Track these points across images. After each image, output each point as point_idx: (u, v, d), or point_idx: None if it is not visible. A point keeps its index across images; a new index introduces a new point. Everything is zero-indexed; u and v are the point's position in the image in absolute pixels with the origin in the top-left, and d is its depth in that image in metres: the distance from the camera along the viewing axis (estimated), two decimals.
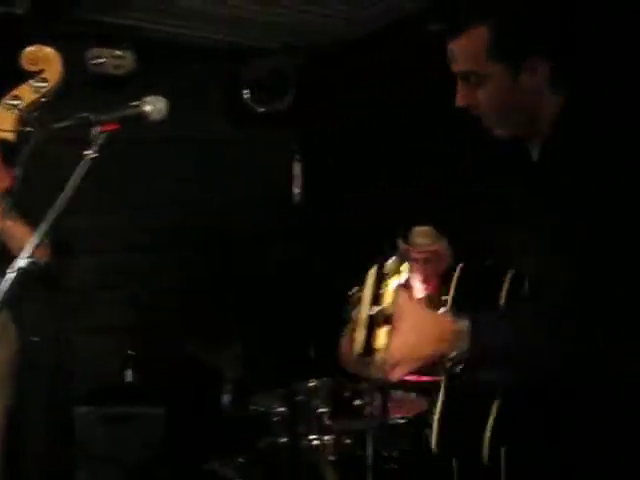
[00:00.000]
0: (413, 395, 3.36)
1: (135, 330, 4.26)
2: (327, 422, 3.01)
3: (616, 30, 2.58)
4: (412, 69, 4.10)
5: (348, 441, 3.02)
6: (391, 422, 3.05)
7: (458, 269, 1.98)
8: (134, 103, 1.69)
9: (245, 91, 4.59)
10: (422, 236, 3.89)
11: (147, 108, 1.68)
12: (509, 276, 1.66)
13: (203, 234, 4.49)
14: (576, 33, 1.62)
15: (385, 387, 3.10)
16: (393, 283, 1.34)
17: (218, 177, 4.57)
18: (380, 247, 4.04)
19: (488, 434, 1.54)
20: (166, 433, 3.73)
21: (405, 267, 1.38)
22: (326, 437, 3.00)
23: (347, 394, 3.03)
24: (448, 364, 1.41)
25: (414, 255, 3.80)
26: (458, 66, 1.60)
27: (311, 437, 3.02)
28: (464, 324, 1.39)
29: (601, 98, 1.60)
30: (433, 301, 2.46)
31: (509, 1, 1.56)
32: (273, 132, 4.60)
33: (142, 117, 1.67)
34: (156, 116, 1.69)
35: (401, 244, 3.87)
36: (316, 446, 3.02)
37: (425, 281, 3.83)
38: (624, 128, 1.50)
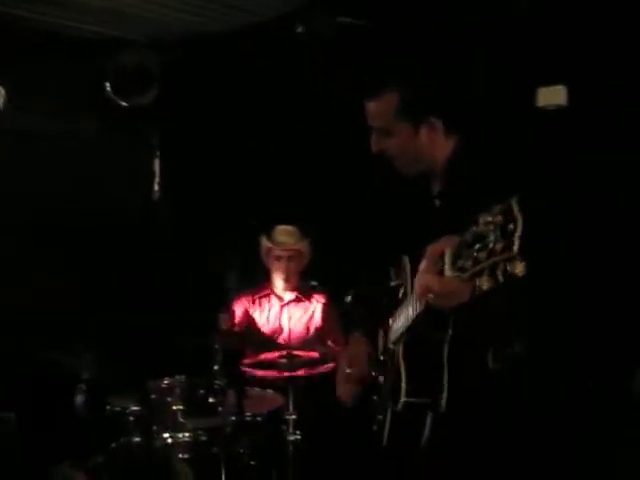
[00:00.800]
0: (269, 392, 3.41)
1: None
2: (181, 420, 3.00)
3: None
4: (276, 67, 4.16)
5: (203, 439, 3.03)
6: (247, 419, 3.09)
7: None
8: None
9: (107, 84, 4.48)
10: (285, 235, 3.98)
11: None
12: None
13: (58, 232, 4.33)
14: (462, 97, 2.13)
15: (240, 384, 3.13)
16: None
17: (75, 172, 4.42)
18: (241, 244, 4.07)
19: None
20: (17, 438, 3.59)
21: None
22: (180, 435, 3.00)
23: (201, 392, 3.03)
24: None
25: (277, 253, 3.88)
26: (372, 122, 1.99)
27: (165, 435, 3.01)
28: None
29: (481, 143, 2.03)
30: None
31: (414, 74, 2.00)
32: (135, 127, 4.51)
33: None
34: None
35: (264, 242, 3.93)
36: (170, 444, 3.01)
37: (287, 279, 3.90)
38: (497, 165, 1.88)
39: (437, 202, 2.04)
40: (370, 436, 2.56)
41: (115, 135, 4.50)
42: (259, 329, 3.91)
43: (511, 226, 1.36)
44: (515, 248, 1.34)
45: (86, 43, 4.38)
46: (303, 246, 3.91)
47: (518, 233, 1.34)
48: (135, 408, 3.07)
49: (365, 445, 3.13)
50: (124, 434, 3.07)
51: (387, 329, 2.08)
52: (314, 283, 3.88)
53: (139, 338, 4.10)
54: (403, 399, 1.86)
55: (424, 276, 1.67)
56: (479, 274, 1.45)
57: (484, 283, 1.45)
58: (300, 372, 3.26)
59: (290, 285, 3.92)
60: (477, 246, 1.44)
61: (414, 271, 1.85)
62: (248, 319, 3.94)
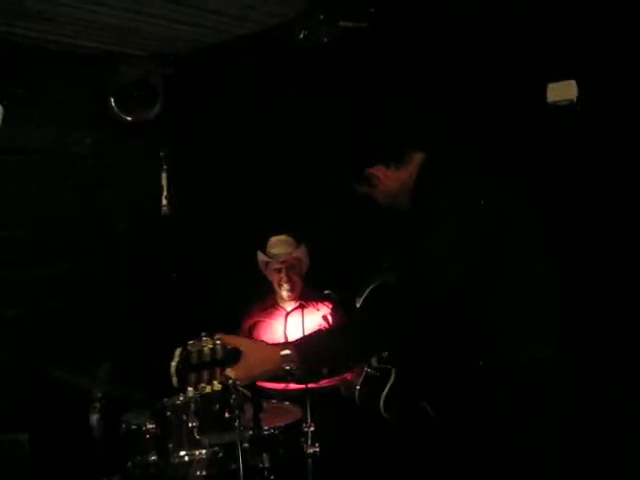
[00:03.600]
0: (287, 404, 3.34)
1: None
2: (197, 437, 2.94)
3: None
4: (281, 78, 4.12)
5: (221, 455, 2.96)
6: (264, 433, 3.02)
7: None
8: None
9: (112, 99, 4.46)
10: (279, 245, 3.94)
11: None
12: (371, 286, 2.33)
13: (69, 249, 4.31)
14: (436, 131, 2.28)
15: (256, 398, 3.07)
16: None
17: (84, 188, 4.40)
18: (244, 256, 4.02)
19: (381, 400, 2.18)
20: (31, 459, 3.54)
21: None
22: (197, 452, 2.93)
23: (217, 407, 2.96)
24: (286, 374, 2.00)
25: (276, 266, 3.84)
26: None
27: (182, 453, 2.94)
28: (287, 350, 1.99)
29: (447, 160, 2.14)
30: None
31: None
32: (141, 142, 4.48)
33: None
34: None
35: (261, 256, 3.89)
36: (188, 462, 2.95)
37: (291, 289, 3.85)
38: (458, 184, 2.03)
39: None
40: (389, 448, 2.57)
41: (122, 149, 4.47)
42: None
43: None
44: None
45: (88, 58, 4.35)
46: (300, 252, 3.88)
47: None
48: (150, 426, 3.01)
49: (384, 456, 3.09)
50: (140, 453, 3.01)
51: None
52: (327, 292, 3.79)
53: (152, 355, 4.05)
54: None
55: None
56: None
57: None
58: (317, 384, 3.20)
59: (295, 294, 3.89)
60: None
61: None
62: (255, 333, 3.90)
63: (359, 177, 2.21)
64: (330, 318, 3.86)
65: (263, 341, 2.17)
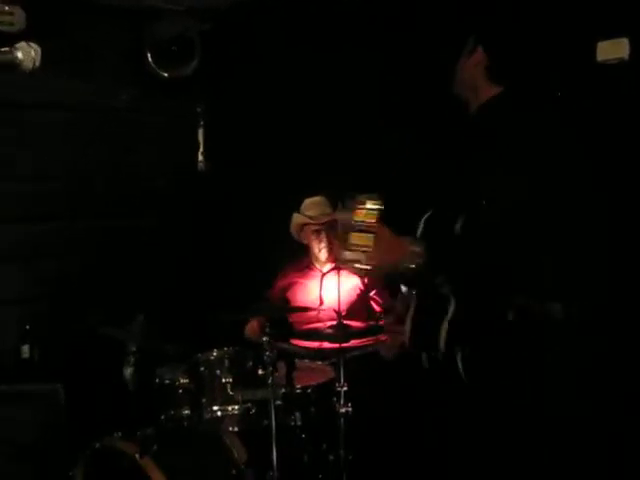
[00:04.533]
0: (319, 363, 3.34)
1: (34, 304, 4.07)
2: (230, 392, 2.95)
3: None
4: (319, 33, 4.04)
5: (253, 411, 2.97)
6: (297, 391, 3.02)
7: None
8: (3, 49, 1.55)
9: (149, 55, 4.42)
10: (316, 207, 3.86)
11: (18, 55, 1.55)
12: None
13: (104, 204, 4.32)
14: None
15: (290, 356, 3.07)
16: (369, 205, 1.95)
17: (120, 144, 4.39)
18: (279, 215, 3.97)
19: (443, 333, 2.00)
20: (66, 410, 3.59)
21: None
22: (230, 408, 2.95)
23: (250, 364, 2.97)
24: (407, 271, 1.95)
25: (314, 227, 3.76)
26: None
27: (215, 408, 2.96)
28: (420, 247, 1.95)
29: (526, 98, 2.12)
30: None
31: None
32: (177, 98, 4.44)
33: (13, 65, 1.53)
34: (28, 64, 1.55)
35: (298, 218, 3.81)
36: (220, 417, 2.96)
37: (330, 249, 3.81)
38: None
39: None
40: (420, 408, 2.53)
41: (158, 104, 4.44)
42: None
43: None
44: None
45: (125, 12, 4.30)
46: (335, 214, 3.80)
47: None
48: (184, 381, 3.03)
49: (415, 417, 3.07)
50: (173, 407, 3.04)
51: None
52: None
53: (187, 310, 4.07)
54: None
55: None
56: None
57: None
58: (350, 343, 3.18)
59: (332, 256, 3.83)
60: None
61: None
62: (290, 293, 3.88)
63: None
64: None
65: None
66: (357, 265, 1.94)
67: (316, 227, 3.79)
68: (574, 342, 2.01)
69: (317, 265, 3.89)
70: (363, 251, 1.92)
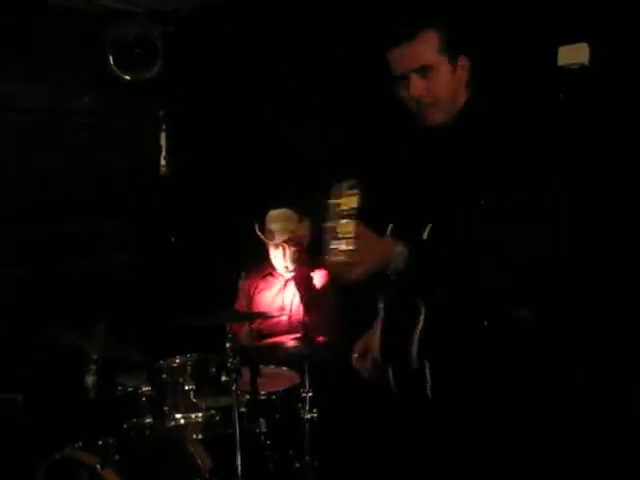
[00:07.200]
0: (284, 369, 3.31)
1: None
2: (194, 400, 2.91)
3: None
4: (283, 36, 4.02)
5: (217, 418, 2.94)
6: (262, 397, 2.99)
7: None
8: None
9: (111, 58, 4.36)
10: (279, 221, 3.73)
11: None
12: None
13: (64, 208, 4.25)
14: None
15: (254, 362, 3.03)
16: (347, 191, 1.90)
17: (81, 148, 4.32)
18: (246, 220, 3.92)
19: (415, 345, 1.98)
20: (26, 420, 3.51)
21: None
22: (193, 415, 2.91)
23: (214, 370, 2.92)
24: (389, 272, 1.95)
25: (275, 242, 3.65)
26: (410, 64, 2.01)
27: (178, 416, 2.92)
28: (401, 248, 1.92)
29: (494, 102, 2.14)
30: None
31: (448, 13, 2.08)
32: (140, 101, 4.39)
33: None
34: None
35: (260, 230, 3.69)
36: (183, 425, 2.92)
37: (288, 267, 3.71)
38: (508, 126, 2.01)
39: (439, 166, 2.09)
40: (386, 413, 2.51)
41: (120, 108, 4.39)
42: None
43: None
44: None
45: (87, 14, 4.24)
46: (303, 229, 3.71)
47: None
48: (146, 389, 2.98)
49: (381, 422, 3.06)
50: (135, 415, 2.98)
51: None
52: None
53: (150, 317, 4.02)
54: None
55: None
56: None
57: None
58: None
59: (299, 266, 3.74)
60: None
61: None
62: (254, 299, 3.82)
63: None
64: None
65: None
66: (342, 256, 1.88)
67: (277, 242, 3.69)
68: (544, 348, 1.99)
69: (278, 271, 3.80)
70: (348, 238, 1.88)
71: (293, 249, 3.68)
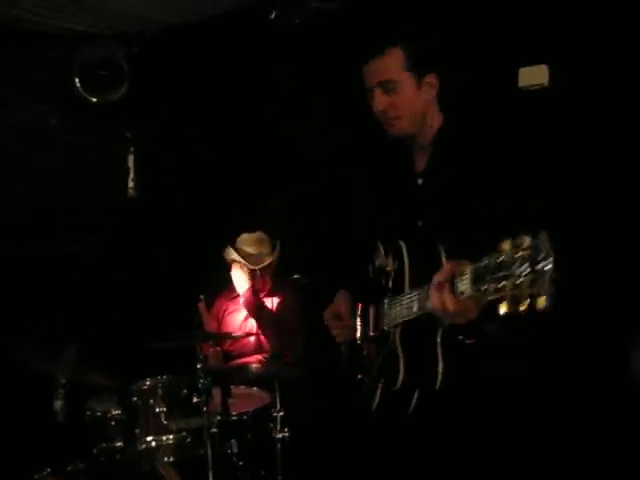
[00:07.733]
0: (255, 389, 3.31)
1: None
2: (165, 422, 2.90)
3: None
4: (250, 58, 4.06)
5: (189, 440, 2.93)
6: (233, 418, 2.99)
7: None
8: None
9: (77, 80, 4.35)
10: (253, 245, 3.71)
11: None
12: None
13: (33, 229, 4.21)
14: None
15: (225, 382, 3.03)
16: None
17: (49, 170, 4.29)
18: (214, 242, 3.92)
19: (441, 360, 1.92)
20: None
21: None
22: (164, 437, 2.90)
23: (185, 392, 2.92)
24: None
25: (247, 268, 3.62)
26: (376, 78, 2.09)
27: (149, 439, 2.90)
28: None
29: (469, 122, 2.19)
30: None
31: (416, 30, 2.19)
32: (107, 123, 4.38)
33: None
34: None
35: (230, 253, 3.64)
36: (155, 447, 2.91)
37: (260, 291, 3.70)
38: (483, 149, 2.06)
39: (420, 181, 2.16)
40: (357, 431, 2.52)
41: (87, 130, 4.38)
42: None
43: (542, 263, 1.40)
44: (546, 288, 1.39)
45: (52, 37, 4.23)
46: (276, 255, 3.71)
47: (551, 273, 1.38)
48: (116, 412, 2.96)
49: (353, 440, 3.08)
50: (105, 439, 2.96)
51: (381, 310, 2.13)
52: (296, 276, 3.68)
53: (120, 339, 3.99)
54: (402, 377, 1.96)
55: (441, 294, 1.71)
56: (499, 301, 1.48)
57: (502, 308, 1.47)
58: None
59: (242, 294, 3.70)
60: (501, 274, 1.47)
61: (412, 260, 1.99)
62: (224, 320, 3.82)
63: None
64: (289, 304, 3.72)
65: None
66: None
67: (248, 268, 3.67)
68: (512, 362, 2.03)
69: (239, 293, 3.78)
70: None
71: (262, 277, 3.69)
